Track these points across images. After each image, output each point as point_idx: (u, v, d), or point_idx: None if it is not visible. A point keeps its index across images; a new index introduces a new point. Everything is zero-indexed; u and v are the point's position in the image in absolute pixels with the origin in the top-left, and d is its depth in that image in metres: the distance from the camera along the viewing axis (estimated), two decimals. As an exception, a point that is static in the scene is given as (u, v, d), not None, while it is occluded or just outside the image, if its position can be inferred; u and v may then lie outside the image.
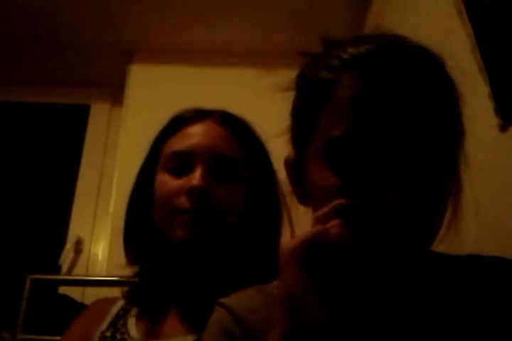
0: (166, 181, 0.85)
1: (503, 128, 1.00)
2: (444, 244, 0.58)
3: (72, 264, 2.19)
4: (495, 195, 1.03)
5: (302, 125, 0.58)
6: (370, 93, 0.51)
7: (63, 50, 2.37)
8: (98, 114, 2.56)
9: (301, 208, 0.64)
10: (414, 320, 0.54)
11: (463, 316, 0.53)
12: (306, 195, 0.59)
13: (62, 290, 1.86)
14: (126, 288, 0.91)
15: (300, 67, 0.61)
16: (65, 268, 2.15)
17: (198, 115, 0.91)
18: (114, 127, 2.44)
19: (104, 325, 0.86)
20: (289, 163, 0.63)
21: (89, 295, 1.89)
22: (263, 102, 2.29)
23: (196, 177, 0.82)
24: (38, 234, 2.31)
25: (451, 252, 0.64)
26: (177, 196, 0.82)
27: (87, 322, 0.89)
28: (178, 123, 0.91)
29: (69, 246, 2.19)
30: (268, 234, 0.88)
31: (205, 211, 0.81)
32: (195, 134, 0.87)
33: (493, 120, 1.02)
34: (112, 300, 0.93)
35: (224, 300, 0.62)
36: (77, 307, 1.74)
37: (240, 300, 0.62)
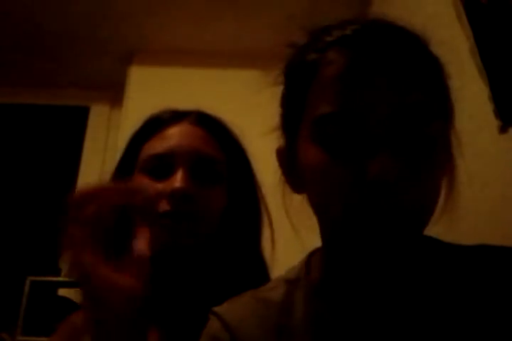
0: (145, 185, 0.81)
1: (503, 130, 1.01)
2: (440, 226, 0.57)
3: (72, 266, 2.18)
4: (495, 196, 1.03)
5: (291, 108, 0.58)
6: (355, 67, 0.51)
7: (63, 51, 2.37)
8: (98, 115, 2.56)
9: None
10: (415, 314, 0.53)
11: (468, 310, 0.53)
12: (299, 183, 0.58)
13: (62, 292, 1.86)
14: None
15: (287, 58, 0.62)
16: (64, 270, 2.14)
17: (175, 116, 0.89)
18: (113, 129, 2.44)
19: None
20: (280, 153, 0.62)
21: (88, 297, 1.89)
22: (262, 103, 2.29)
23: (178, 179, 0.78)
24: (37, 235, 2.31)
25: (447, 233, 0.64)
26: (158, 200, 0.78)
27: (67, 338, 0.85)
28: (154, 125, 0.88)
29: (69, 247, 2.18)
30: (250, 238, 0.86)
31: (186, 215, 0.78)
32: (174, 136, 0.85)
33: (493, 121, 1.02)
34: None
35: (216, 308, 0.62)
36: (76, 310, 1.74)
37: (231, 307, 0.61)
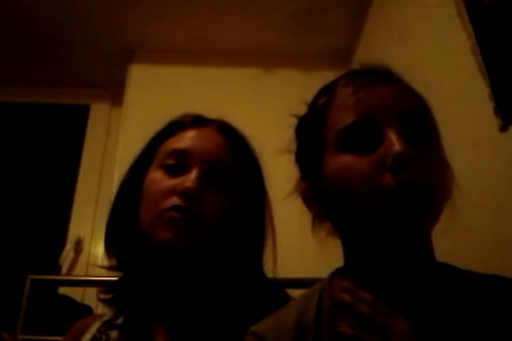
0: (159, 179, 0.83)
1: (503, 128, 1.01)
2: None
3: (72, 264, 2.19)
4: (495, 195, 1.03)
5: (312, 135, 0.67)
6: (361, 88, 0.63)
7: (63, 50, 2.37)
8: (98, 114, 2.56)
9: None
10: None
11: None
12: (324, 200, 0.65)
13: (63, 290, 1.86)
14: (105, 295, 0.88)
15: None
16: (65, 269, 2.15)
17: (197, 121, 0.91)
18: (113, 127, 2.44)
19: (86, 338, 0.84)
20: (301, 188, 0.69)
21: (89, 296, 1.89)
22: (262, 102, 2.30)
23: (191, 178, 0.80)
24: (38, 234, 2.31)
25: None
26: (168, 196, 0.80)
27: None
28: (176, 127, 0.90)
29: (69, 246, 2.19)
30: (252, 243, 0.86)
31: (191, 212, 0.79)
32: (195, 136, 0.87)
33: (493, 120, 1.02)
34: (96, 317, 0.90)
35: (255, 328, 0.65)
36: (77, 308, 1.74)
37: (270, 325, 0.65)
